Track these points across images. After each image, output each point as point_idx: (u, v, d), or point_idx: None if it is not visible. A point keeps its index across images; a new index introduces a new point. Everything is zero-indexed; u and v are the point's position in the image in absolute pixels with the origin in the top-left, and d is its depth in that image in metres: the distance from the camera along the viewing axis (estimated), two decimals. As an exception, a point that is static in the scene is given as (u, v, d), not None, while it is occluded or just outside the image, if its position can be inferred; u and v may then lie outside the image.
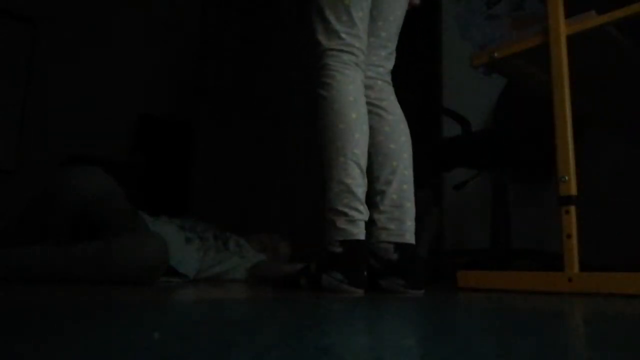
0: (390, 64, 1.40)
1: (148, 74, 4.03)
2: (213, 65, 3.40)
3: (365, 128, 1.22)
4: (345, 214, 1.15)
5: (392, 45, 1.40)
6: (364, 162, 1.20)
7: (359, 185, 1.17)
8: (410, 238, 1.25)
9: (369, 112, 1.32)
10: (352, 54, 1.25)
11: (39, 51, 3.57)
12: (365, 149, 1.22)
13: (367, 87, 1.34)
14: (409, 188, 1.28)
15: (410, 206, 1.27)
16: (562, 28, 1.34)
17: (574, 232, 1.23)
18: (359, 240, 1.15)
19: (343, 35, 1.24)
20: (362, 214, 1.17)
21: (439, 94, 2.71)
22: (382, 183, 1.28)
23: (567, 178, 1.26)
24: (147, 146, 3.78)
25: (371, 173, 1.30)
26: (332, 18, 1.24)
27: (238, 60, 3.39)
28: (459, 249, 2.51)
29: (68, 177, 1.32)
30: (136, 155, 3.72)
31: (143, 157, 3.69)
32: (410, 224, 1.26)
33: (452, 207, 2.59)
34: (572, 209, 1.24)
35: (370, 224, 1.27)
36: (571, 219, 1.23)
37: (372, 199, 1.29)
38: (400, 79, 1.41)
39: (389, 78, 1.39)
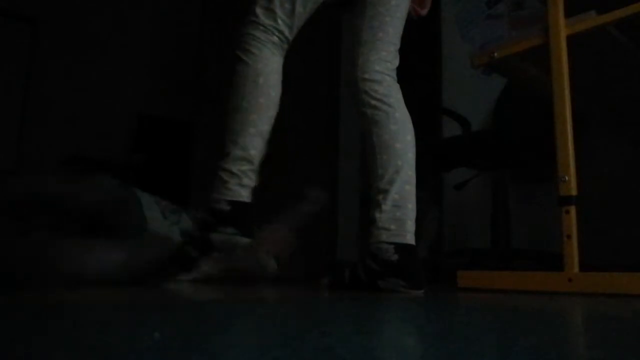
0: (396, 62, 1.39)
1: (148, 74, 4.03)
2: (213, 65, 3.39)
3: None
4: (240, 178, 1.27)
5: (398, 43, 1.39)
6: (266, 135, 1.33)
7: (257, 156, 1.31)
8: (410, 239, 1.25)
9: (376, 107, 1.30)
10: (280, 39, 1.32)
11: (39, 51, 3.57)
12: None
13: (376, 81, 1.32)
14: (411, 189, 1.27)
15: (411, 207, 1.27)
16: (562, 28, 1.34)
17: (574, 232, 1.22)
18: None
19: (279, 21, 1.30)
20: (252, 181, 1.30)
21: (439, 94, 2.71)
22: (386, 182, 1.26)
23: (567, 178, 1.26)
24: (147, 146, 3.78)
25: (374, 171, 1.28)
26: (276, 1, 1.30)
27: (238, 60, 3.38)
28: (459, 249, 2.51)
29: (72, 181, 1.32)
30: (136, 155, 3.72)
31: (143, 158, 3.69)
32: (411, 224, 1.26)
33: (452, 207, 2.59)
34: (572, 209, 1.24)
35: (370, 223, 1.26)
36: (571, 219, 1.23)
37: (374, 197, 1.28)
38: (400, 78, 1.40)
39: (395, 75, 1.38)
